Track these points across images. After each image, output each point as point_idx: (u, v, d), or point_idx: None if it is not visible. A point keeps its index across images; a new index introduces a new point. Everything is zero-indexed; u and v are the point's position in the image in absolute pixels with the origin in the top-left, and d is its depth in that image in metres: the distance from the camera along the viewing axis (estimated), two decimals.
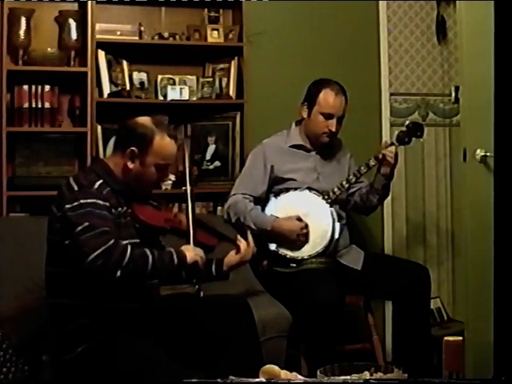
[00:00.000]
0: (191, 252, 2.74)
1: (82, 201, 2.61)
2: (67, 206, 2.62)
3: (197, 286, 2.82)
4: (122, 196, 2.76)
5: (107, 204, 2.65)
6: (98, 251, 2.52)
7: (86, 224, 2.56)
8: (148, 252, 2.63)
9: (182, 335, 2.78)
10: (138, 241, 2.74)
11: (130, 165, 2.75)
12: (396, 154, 3.53)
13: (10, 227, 3.49)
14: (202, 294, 2.81)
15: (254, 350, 2.79)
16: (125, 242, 2.64)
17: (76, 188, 2.67)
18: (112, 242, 2.55)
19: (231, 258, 2.92)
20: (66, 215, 2.61)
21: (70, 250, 2.60)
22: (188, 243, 2.81)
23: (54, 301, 2.72)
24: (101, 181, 2.71)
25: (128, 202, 2.78)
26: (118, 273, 2.54)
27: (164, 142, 2.77)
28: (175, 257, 2.68)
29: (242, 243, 2.93)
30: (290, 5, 4.22)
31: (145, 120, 2.79)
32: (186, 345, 2.77)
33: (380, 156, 3.55)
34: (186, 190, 2.92)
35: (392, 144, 3.59)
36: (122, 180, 2.78)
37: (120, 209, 2.72)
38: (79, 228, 2.56)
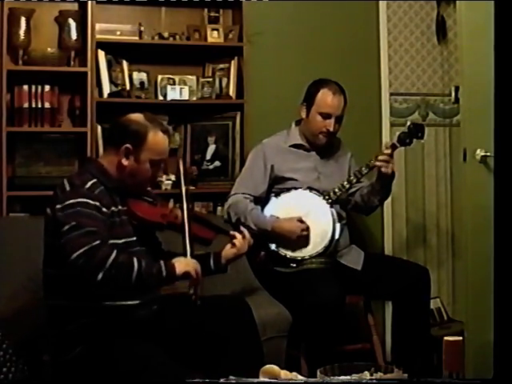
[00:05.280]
0: (182, 264, 2.68)
1: (71, 200, 2.61)
2: (57, 206, 2.62)
3: (192, 293, 2.73)
4: (117, 194, 2.76)
5: (97, 204, 2.63)
6: (81, 250, 2.49)
7: (73, 223, 2.55)
8: (135, 261, 2.58)
9: (182, 335, 2.78)
10: (134, 239, 2.75)
11: (125, 162, 2.75)
12: (392, 155, 3.52)
13: (10, 227, 3.49)
14: (198, 303, 2.74)
15: (254, 350, 2.79)
16: (120, 242, 2.65)
17: (68, 188, 2.67)
18: (97, 242, 2.52)
19: (228, 251, 2.92)
20: (56, 215, 2.61)
21: (61, 250, 2.58)
22: (183, 237, 2.81)
23: (52, 302, 2.72)
24: (94, 180, 2.70)
25: (123, 199, 2.78)
26: (100, 275, 2.50)
27: (157, 138, 2.77)
28: (163, 269, 2.63)
29: (238, 236, 2.93)
30: (290, 5, 4.22)
31: (138, 116, 2.79)
32: (186, 345, 2.77)
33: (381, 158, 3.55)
34: (180, 187, 2.92)
35: (393, 145, 3.58)
36: (117, 177, 2.77)
37: (114, 208, 2.72)
38: (66, 227, 2.55)
